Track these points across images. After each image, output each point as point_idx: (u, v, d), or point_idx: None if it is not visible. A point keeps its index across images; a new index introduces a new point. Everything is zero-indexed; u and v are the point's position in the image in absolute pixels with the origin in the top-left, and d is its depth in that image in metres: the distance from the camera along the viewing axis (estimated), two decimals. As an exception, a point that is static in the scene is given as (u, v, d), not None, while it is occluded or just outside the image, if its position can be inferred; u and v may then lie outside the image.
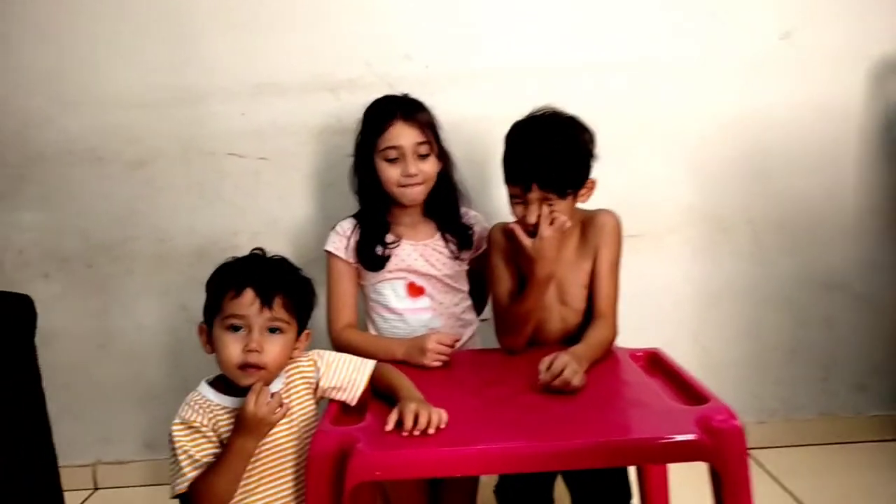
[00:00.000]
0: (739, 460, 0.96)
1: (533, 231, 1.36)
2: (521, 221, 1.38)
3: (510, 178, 1.38)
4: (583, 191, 1.40)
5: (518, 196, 1.37)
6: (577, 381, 1.16)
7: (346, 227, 1.55)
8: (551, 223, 1.33)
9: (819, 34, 1.81)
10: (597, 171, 1.43)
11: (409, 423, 1.03)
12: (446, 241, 1.56)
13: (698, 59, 1.82)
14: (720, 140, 1.85)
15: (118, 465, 1.94)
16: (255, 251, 1.17)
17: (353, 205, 1.59)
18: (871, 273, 1.90)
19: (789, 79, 1.83)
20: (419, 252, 1.54)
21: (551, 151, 1.33)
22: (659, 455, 0.97)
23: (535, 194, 1.34)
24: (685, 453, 0.95)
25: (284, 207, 1.85)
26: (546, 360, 1.19)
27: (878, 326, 1.91)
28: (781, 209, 1.88)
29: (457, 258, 1.56)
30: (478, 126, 1.70)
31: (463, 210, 1.60)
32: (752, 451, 1.89)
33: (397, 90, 1.59)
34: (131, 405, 1.93)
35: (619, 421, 1.06)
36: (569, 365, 1.16)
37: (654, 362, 1.30)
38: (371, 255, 1.52)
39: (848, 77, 1.83)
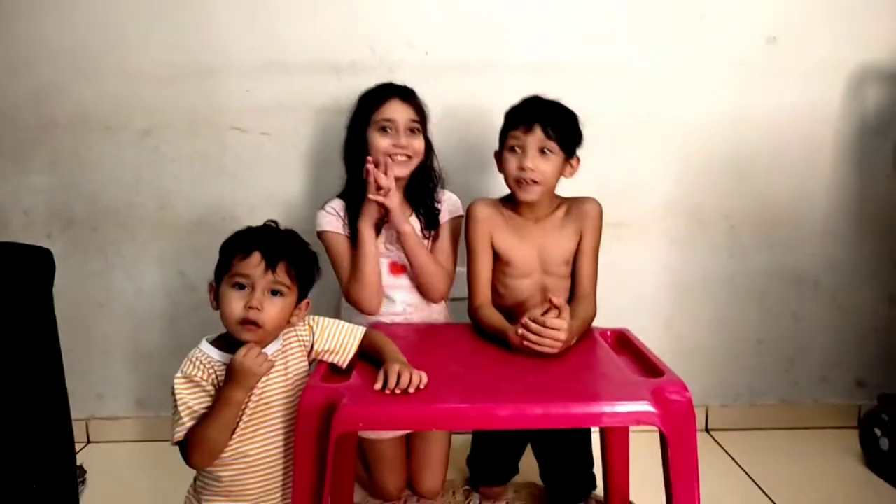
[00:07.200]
0: (687, 428, 1.05)
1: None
2: (514, 171, 1.44)
3: (514, 122, 1.46)
4: (573, 161, 1.49)
5: (517, 141, 1.44)
6: (562, 337, 1.25)
7: (337, 206, 1.59)
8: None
9: (803, 40, 1.88)
10: (588, 162, 1.52)
11: (392, 381, 1.12)
12: (419, 221, 1.61)
13: (687, 60, 1.89)
14: (704, 138, 1.92)
15: (111, 420, 2.00)
16: (269, 222, 1.25)
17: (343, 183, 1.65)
18: (837, 272, 1.98)
19: (773, 82, 1.89)
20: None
21: (556, 104, 1.47)
22: (616, 419, 1.06)
23: (535, 138, 1.42)
24: (639, 419, 1.05)
25: (281, 181, 1.91)
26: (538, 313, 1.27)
27: (840, 322, 2.00)
28: (757, 206, 1.95)
29: (424, 237, 1.60)
30: (470, 115, 1.76)
31: (439, 191, 1.64)
32: (714, 433, 2.00)
33: (397, 75, 1.65)
34: (126, 364, 1.99)
35: (583, 389, 1.15)
36: (562, 329, 1.25)
37: (622, 341, 1.39)
38: None
39: (828, 83, 1.90)
